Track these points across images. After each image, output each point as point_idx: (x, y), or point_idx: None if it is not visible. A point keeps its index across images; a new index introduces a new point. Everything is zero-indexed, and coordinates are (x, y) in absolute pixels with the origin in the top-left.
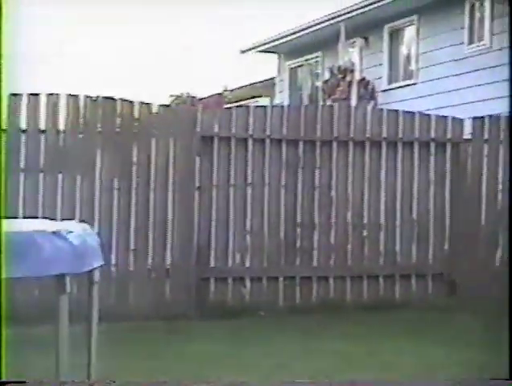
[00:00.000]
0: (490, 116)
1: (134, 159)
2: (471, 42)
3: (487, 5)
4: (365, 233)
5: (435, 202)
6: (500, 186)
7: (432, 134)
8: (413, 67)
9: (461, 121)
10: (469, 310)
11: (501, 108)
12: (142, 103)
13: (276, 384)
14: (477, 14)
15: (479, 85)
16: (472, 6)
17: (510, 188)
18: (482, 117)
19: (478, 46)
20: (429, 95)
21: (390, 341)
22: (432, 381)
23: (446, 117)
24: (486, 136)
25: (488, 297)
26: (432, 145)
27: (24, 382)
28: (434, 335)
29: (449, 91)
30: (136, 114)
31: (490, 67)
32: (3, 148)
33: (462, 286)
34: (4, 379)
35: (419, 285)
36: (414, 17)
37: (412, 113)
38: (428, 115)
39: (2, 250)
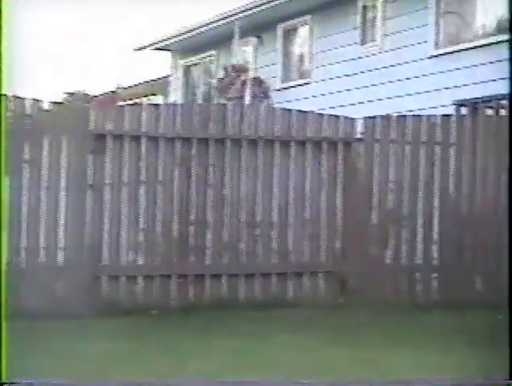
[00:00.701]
0: (382, 115)
1: (26, 157)
2: (364, 42)
3: (379, 6)
4: (257, 231)
5: (328, 200)
6: (390, 185)
7: (324, 133)
8: (307, 66)
9: (353, 120)
10: (359, 308)
11: (393, 108)
12: (33, 100)
13: (276, 384)
14: (370, 15)
15: (373, 85)
16: (365, 7)
17: (510, 188)
18: (374, 117)
19: (371, 46)
20: (322, 94)
21: (279, 338)
22: (431, 381)
23: (338, 116)
24: (378, 135)
25: (378, 295)
26: (324, 145)
27: (17, 383)
28: (322, 332)
29: (342, 90)
30: (28, 111)
31: (383, 68)
32: None
33: (353, 284)
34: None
35: (311, 283)
36: (308, 17)
37: (305, 112)
38: (321, 114)
39: (3, 250)
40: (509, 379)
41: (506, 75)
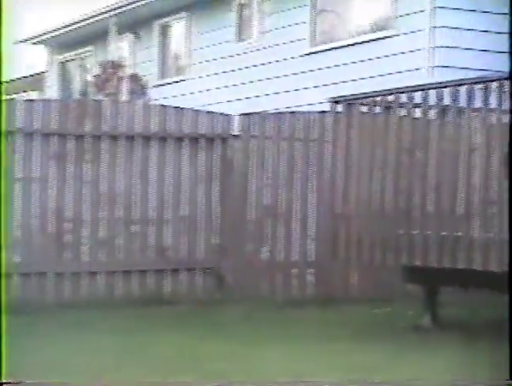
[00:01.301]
0: (258, 112)
1: None
2: (241, 39)
3: (255, 3)
4: (134, 228)
5: (205, 197)
6: (267, 182)
7: (201, 130)
8: (184, 63)
9: (230, 117)
10: (236, 304)
11: (270, 105)
12: None
13: (276, 384)
14: (247, 12)
15: (250, 82)
16: (242, 4)
17: (510, 187)
18: (250, 114)
19: (248, 43)
20: (200, 91)
21: (155, 335)
22: (431, 382)
23: (214, 112)
24: (254, 132)
25: (255, 290)
26: (201, 141)
27: (20, 383)
28: (199, 328)
29: (220, 87)
30: None
31: (261, 65)
32: None
33: (230, 280)
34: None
35: (188, 280)
36: (185, 13)
37: (181, 109)
38: (197, 111)
39: (2, 249)
40: (510, 380)
41: (381, 72)
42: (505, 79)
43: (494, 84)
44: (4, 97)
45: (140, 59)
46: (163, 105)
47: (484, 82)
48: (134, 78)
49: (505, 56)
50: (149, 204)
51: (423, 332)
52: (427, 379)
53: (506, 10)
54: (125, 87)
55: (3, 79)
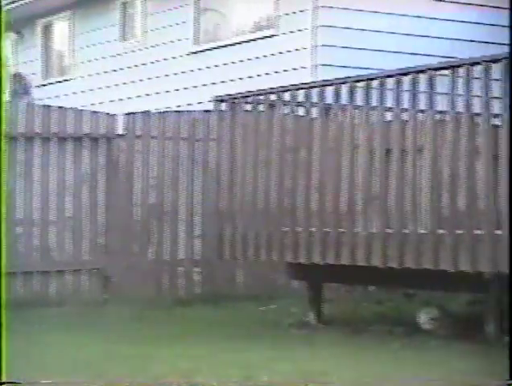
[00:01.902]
0: (142, 112)
1: None
2: (124, 38)
3: (138, 2)
4: (19, 229)
5: (90, 197)
6: (152, 182)
7: (85, 130)
8: (68, 62)
9: (114, 116)
10: (122, 304)
11: (154, 104)
12: None
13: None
14: (130, 11)
15: (134, 82)
16: (125, 3)
17: (510, 187)
18: (134, 113)
19: (131, 42)
20: (84, 91)
21: (40, 337)
22: (430, 382)
23: (98, 112)
24: (138, 132)
25: (141, 290)
26: (85, 141)
27: (19, 383)
28: (85, 330)
29: (104, 87)
30: None
31: (144, 64)
32: None
33: (117, 281)
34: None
35: (74, 281)
36: (68, 12)
37: (65, 108)
38: (81, 110)
39: (3, 249)
40: (510, 380)
41: (265, 71)
42: (385, 77)
43: (375, 82)
44: None
45: (23, 59)
46: (46, 105)
47: (365, 80)
48: (17, 78)
49: (384, 54)
50: (33, 205)
51: (308, 329)
52: (428, 381)
53: (387, 10)
54: (7, 86)
55: None
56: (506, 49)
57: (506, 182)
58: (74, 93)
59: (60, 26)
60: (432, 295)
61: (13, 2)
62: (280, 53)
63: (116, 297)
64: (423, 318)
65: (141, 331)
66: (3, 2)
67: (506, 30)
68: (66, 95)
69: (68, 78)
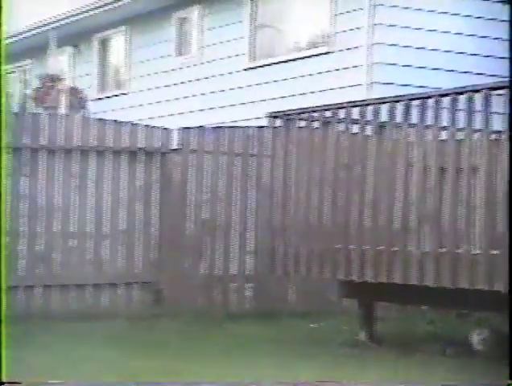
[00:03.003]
0: (198, 127)
1: None
2: (180, 54)
3: (195, 18)
4: (72, 242)
5: (143, 211)
6: (206, 196)
7: (140, 144)
8: (124, 77)
9: (169, 131)
10: (173, 319)
11: (209, 119)
12: None
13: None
14: (186, 27)
15: (189, 97)
16: (181, 19)
17: (510, 191)
18: (190, 128)
19: (187, 58)
20: (140, 105)
21: (92, 350)
22: (429, 383)
23: (154, 126)
24: (193, 146)
25: (193, 305)
26: (140, 155)
27: (19, 383)
28: (135, 344)
29: (160, 101)
30: None
31: (199, 80)
32: None
33: (168, 295)
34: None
35: (126, 294)
36: (124, 27)
37: (120, 122)
38: (136, 124)
39: (2, 252)
40: (510, 380)
41: (317, 88)
42: (442, 96)
43: (431, 101)
44: None
45: (79, 73)
46: (101, 119)
47: (420, 98)
48: (74, 91)
49: (443, 73)
50: (87, 218)
51: (359, 347)
52: (427, 382)
53: (445, 28)
54: (64, 100)
55: None
56: None
57: None
58: (130, 107)
59: (117, 41)
60: (485, 316)
61: (69, 17)
62: (336, 70)
63: (167, 311)
64: (475, 339)
65: (188, 346)
66: (60, 17)
67: None
68: (122, 109)
69: (123, 92)
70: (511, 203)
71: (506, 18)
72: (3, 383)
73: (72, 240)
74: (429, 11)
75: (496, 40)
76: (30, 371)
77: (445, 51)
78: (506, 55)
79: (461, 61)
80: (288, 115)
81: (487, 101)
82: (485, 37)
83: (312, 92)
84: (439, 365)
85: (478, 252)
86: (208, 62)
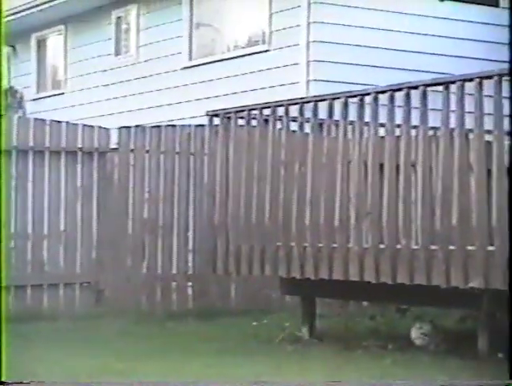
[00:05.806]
0: (137, 126)
1: None
2: (118, 53)
3: (132, 17)
4: (11, 243)
5: (84, 211)
6: (146, 196)
7: (79, 143)
8: (62, 76)
9: (108, 130)
10: (115, 318)
11: (148, 118)
12: None
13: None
14: (124, 26)
15: (128, 96)
16: (119, 18)
17: (510, 192)
18: (129, 127)
19: (125, 57)
20: (79, 105)
21: (33, 351)
22: (429, 383)
23: (93, 126)
24: (132, 146)
25: (134, 304)
26: (79, 155)
27: (20, 383)
28: (76, 344)
29: (98, 101)
30: None
31: (138, 78)
32: None
33: (109, 295)
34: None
35: (67, 294)
36: (62, 27)
37: (59, 122)
38: (75, 124)
39: (3, 254)
40: (510, 380)
41: (256, 86)
42: (379, 92)
43: (369, 98)
44: None
45: (17, 73)
46: (41, 119)
47: (358, 95)
48: (11, 91)
49: (382, 70)
50: (27, 219)
51: (301, 343)
52: (427, 382)
53: (385, 26)
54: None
55: None
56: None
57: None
58: (70, 107)
59: (54, 41)
60: (425, 311)
61: (5, 17)
62: (276, 68)
63: (108, 311)
64: (415, 334)
65: (130, 345)
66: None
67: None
68: (60, 108)
69: (61, 92)
70: (511, 203)
71: (444, 15)
72: (3, 383)
73: (12, 240)
74: (368, 9)
75: (434, 37)
76: None
77: (384, 49)
78: (446, 52)
79: (400, 58)
80: (228, 113)
81: (424, 98)
82: (425, 34)
83: (252, 90)
84: (379, 360)
85: (417, 247)
86: (146, 61)
